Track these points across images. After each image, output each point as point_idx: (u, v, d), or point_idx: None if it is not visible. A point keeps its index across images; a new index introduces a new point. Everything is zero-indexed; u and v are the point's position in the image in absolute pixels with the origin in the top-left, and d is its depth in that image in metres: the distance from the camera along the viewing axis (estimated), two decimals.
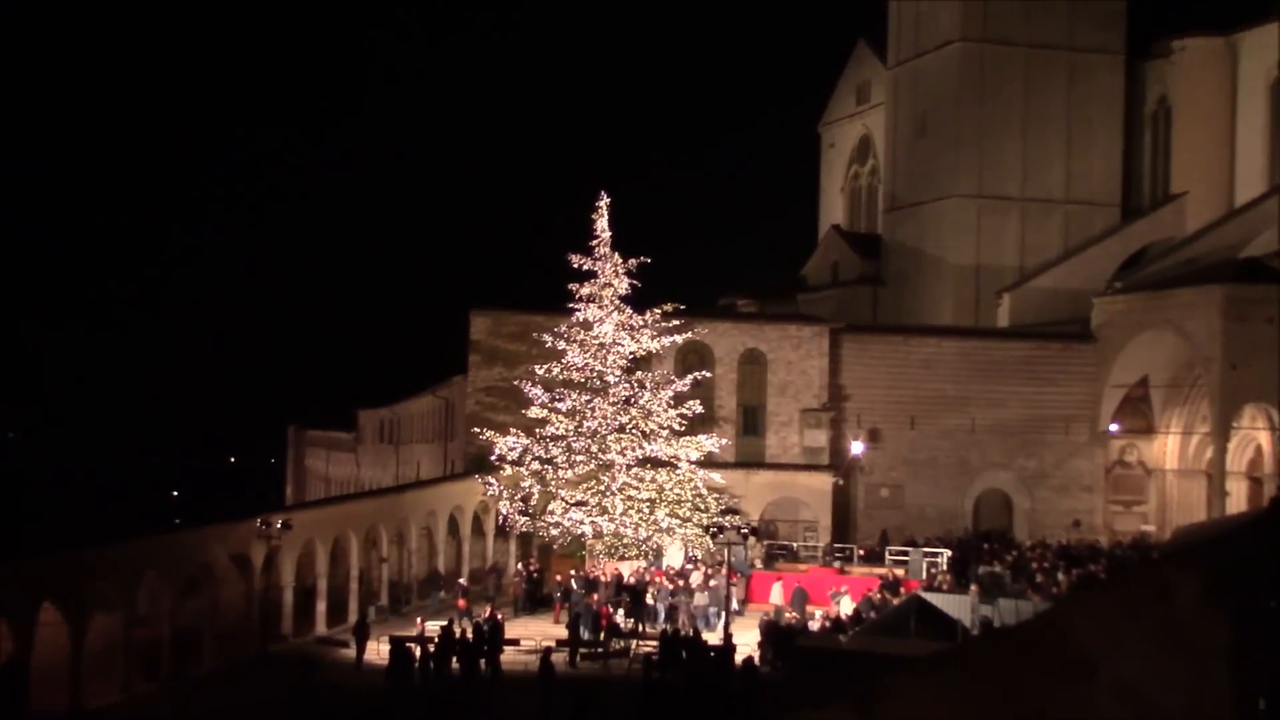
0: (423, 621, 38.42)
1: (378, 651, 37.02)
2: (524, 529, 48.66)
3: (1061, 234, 70.13)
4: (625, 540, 46.96)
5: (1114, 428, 57.42)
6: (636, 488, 47.33)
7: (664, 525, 46.94)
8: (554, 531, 47.47)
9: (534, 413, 48.36)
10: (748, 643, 37.78)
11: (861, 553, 49.97)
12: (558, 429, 47.91)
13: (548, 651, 33.84)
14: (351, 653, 37.93)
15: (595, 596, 41.45)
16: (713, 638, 37.48)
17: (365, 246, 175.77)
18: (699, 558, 47.43)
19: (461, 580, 46.09)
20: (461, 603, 42.63)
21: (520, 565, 48.22)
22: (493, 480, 48.29)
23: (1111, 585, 9.58)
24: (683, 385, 48.91)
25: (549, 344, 48.72)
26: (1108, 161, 70.83)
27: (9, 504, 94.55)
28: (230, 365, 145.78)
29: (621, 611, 40.96)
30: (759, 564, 48.04)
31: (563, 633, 39.16)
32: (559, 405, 48.08)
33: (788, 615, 40.05)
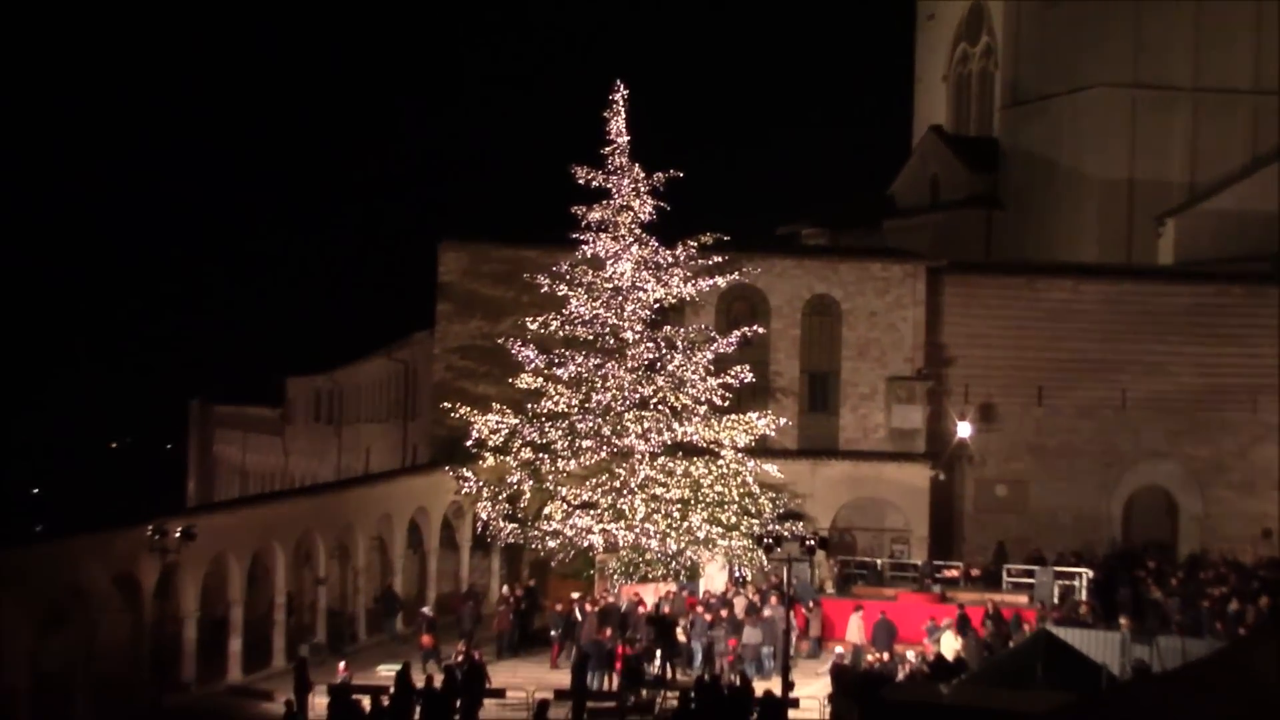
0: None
1: (312, 705, 37.22)
2: (511, 539, 48.84)
3: (1248, 137, 69.81)
4: (648, 555, 47.10)
5: None
6: (664, 484, 47.43)
7: (701, 535, 47.04)
8: (552, 543, 47.62)
9: (525, 382, 48.44)
10: (814, 694, 37.81)
11: (971, 573, 49.93)
12: (556, 404, 48.00)
13: (543, 705, 33.92)
14: (278, 707, 38.10)
15: (608, 631, 41.56)
16: (766, 687, 37.54)
17: (292, 154, 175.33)
18: (748, 579, 47.46)
19: (425, 609, 46.27)
20: (426, 639, 42.78)
21: (506, 589, 48.45)
22: (469, 474, 48.41)
23: None
24: (727, 345, 48.90)
25: (545, 288, 48.78)
26: None
27: None
28: (112, 315, 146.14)
29: (643, 652, 41.10)
30: (829, 588, 48.05)
31: (564, 680, 39.32)
32: (559, 372, 48.16)
33: (869, 657, 40.14)
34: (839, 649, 40.88)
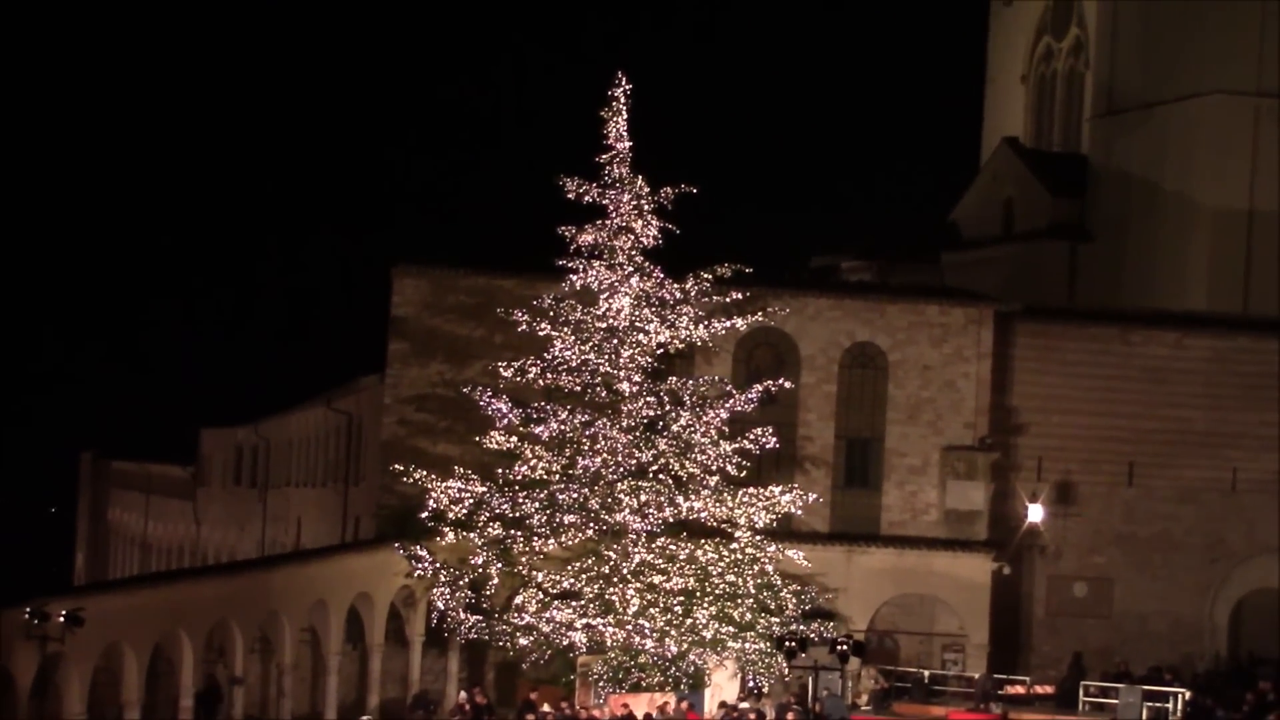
0: None
1: None
2: (474, 635, 49.01)
3: None
4: (642, 658, 47.27)
5: None
6: (664, 572, 47.64)
7: (707, 635, 47.24)
8: (524, 641, 47.81)
9: (496, 441, 48.71)
10: None
11: (1040, 690, 50.08)
12: (534, 470, 48.27)
13: None
14: None
15: None
16: None
17: (212, 168, 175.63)
18: (765, 691, 47.66)
19: (366, 718, 46.48)
20: None
21: (464, 696, 48.60)
22: (423, 553, 48.63)
23: None
24: (746, 402, 49.24)
25: (524, 327, 49.06)
26: None
27: None
28: None
29: None
30: (864, 704, 48.22)
31: None
32: (537, 430, 48.42)
33: None
34: None
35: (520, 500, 48.19)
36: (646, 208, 49.10)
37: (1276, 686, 51.36)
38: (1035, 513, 55.86)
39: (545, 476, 48.24)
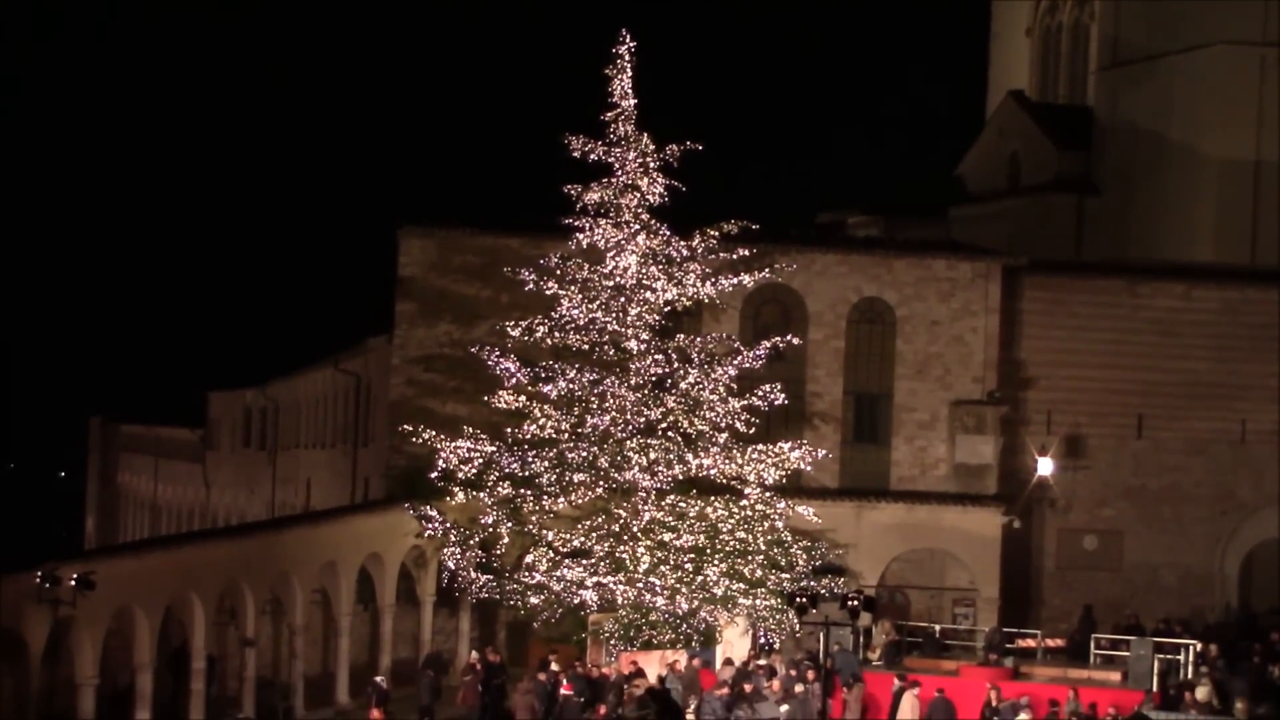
0: None
1: None
2: (485, 594, 49.04)
3: None
4: (653, 616, 47.30)
5: None
6: (674, 529, 47.65)
7: (718, 592, 47.25)
8: (534, 600, 47.84)
9: (504, 401, 48.70)
10: None
11: (1051, 644, 50.07)
12: (543, 429, 48.25)
13: None
14: None
15: (602, 710, 41.74)
16: None
17: (223, 123, 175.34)
18: (776, 647, 47.67)
19: (379, 679, 46.48)
20: (375, 715, 43.06)
21: (475, 656, 48.60)
22: (433, 513, 48.64)
23: None
24: (754, 359, 49.17)
25: (531, 286, 49.02)
26: None
27: None
28: None
29: None
30: (877, 659, 48.25)
31: None
32: (546, 389, 48.39)
33: None
34: None
35: (529, 459, 48.15)
36: (652, 165, 49.02)
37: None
38: (1044, 466, 55.90)
39: (554, 435, 48.22)
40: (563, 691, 42.79)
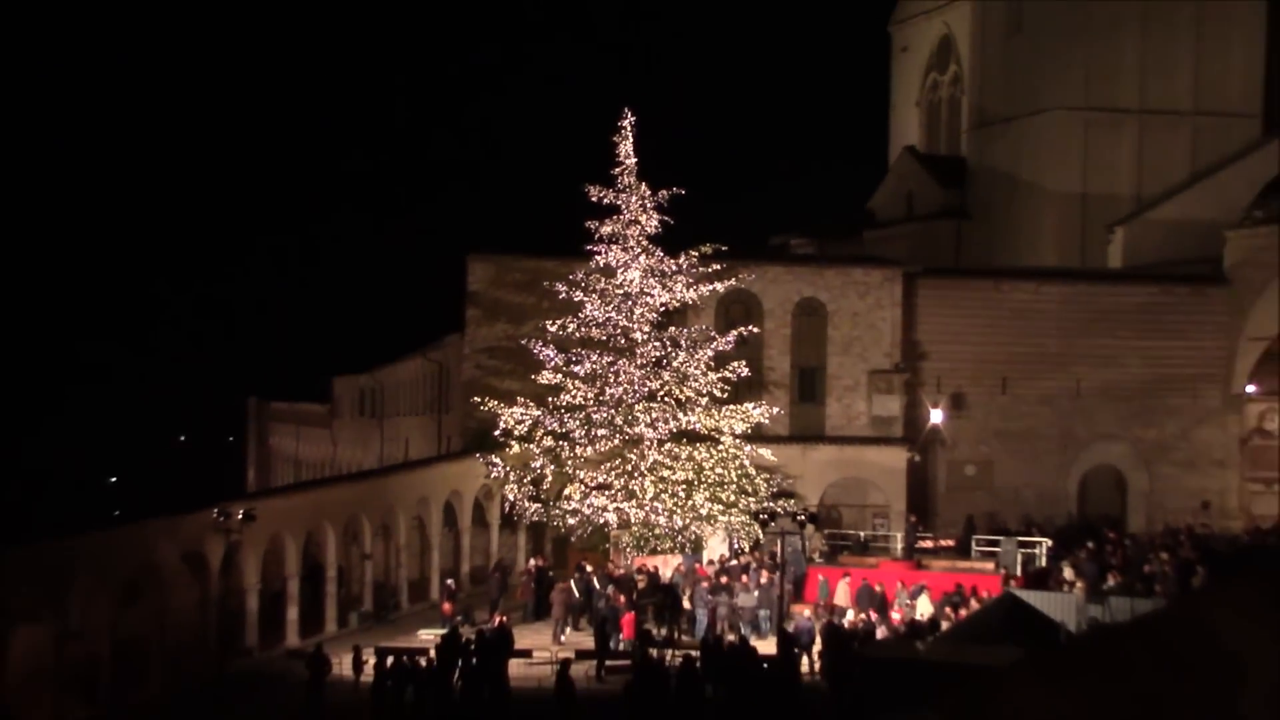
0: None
1: (340, 665, 37.06)
2: (535, 518, 49.12)
3: (1188, 154, 69.95)
4: (657, 530, 47.39)
5: (1251, 389, 57.49)
6: (670, 467, 47.70)
7: (704, 512, 47.31)
8: (571, 521, 47.92)
9: (545, 378, 48.72)
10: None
11: (944, 543, 50.19)
12: (574, 398, 48.28)
13: (566, 664, 33.83)
14: (335, 669, 38.21)
15: (621, 599, 41.86)
16: (764, 646, 37.83)
17: (338, 179, 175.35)
18: (745, 550, 47.80)
19: (449, 581, 46.61)
20: (446, 607, 43.22)
21: (530, 561, 48.74)
22: (497, 460, 48.68)
23: (1257, 575, 8.99)
24: (725, 343, 49.14)
25: (563, 295, 49.00)
26: (1247, 63, 70.49)
27: None
28: (176, 323, 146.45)
29: (655, 615, 41.41)
30: (819, 557, 48.37)
31: (578, 643, 39.52)
32: (575, 369, 48.44)
33: (852, 617, 40.35)
34: (806, 612, 40.90)
35: (565, 420, 48.14)
36: (649, 205, 48.97)
37: (1105, 532, 51.34)
38: (936, 416, 55.96)
39: (583, 402, 48.20)
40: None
